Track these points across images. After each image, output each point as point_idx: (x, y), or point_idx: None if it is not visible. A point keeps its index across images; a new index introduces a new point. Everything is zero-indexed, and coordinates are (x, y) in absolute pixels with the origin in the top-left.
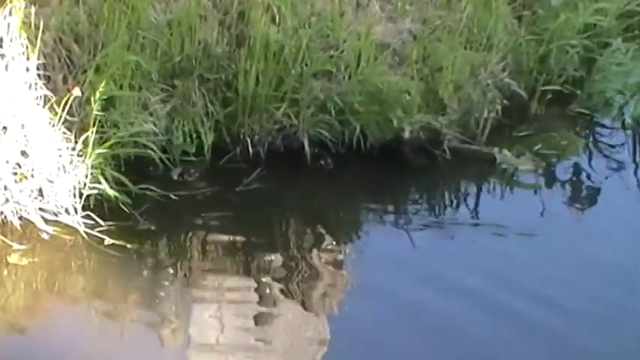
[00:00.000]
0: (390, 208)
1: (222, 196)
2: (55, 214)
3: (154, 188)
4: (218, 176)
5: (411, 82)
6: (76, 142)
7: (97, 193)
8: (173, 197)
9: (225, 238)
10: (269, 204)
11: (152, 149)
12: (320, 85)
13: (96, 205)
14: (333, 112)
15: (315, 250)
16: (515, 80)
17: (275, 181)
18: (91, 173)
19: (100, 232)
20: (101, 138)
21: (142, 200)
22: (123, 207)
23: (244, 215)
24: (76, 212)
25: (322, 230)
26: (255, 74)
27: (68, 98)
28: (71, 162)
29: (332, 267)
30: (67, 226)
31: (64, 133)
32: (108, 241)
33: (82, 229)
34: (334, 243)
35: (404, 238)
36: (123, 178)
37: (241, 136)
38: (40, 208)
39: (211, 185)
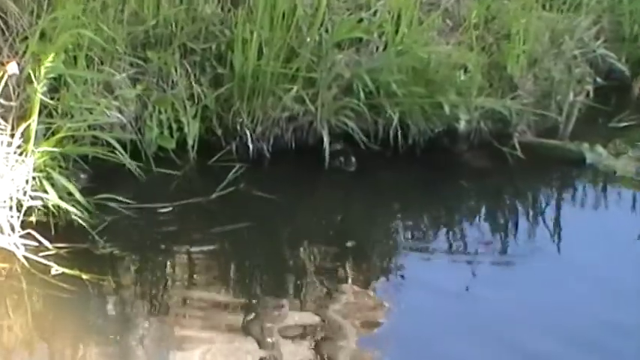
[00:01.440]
0: (439, 226)
1: (210, 209)
2: None
3: (119, 198)
4: (206, 181)
5: (469, 53)
6: (12, 136)
7: (42, 205)
8: (143, 210)
9: (212, 266)
10: (274, 219)
11: (116, 146)
12: (345, 59)
13: (40, 222)
14: (362, 95)
15: (333, 287)
16: (613, 51)
17: (282, 188)
18: (34, 178)
19: (45, 257)
20: (48, 130)
21: (102, 214)
22: (76, 224)
23: (240, 234)
24: (13, 230)
25: (344, 258)
26: (257, 44)
27: (1, 76)
28: (6, 163)
29: (356, 311)
30: (0, 248)
31: None
32: (55, 269)
33: (20, 252)
34: (360, 275)
35: (458, 269)
36: (72, 186)
37: (238, 128)
38: None
39: (196, 193)
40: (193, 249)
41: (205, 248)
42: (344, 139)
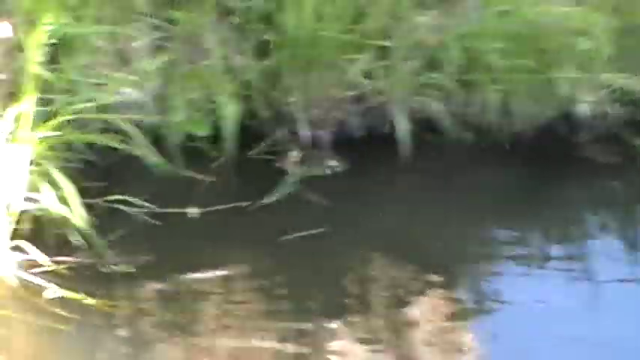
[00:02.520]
0: (552, 237)
1: (252, 215)
2: None
3: (134, 200)
4: (246, 179)
5: (594, 15)
6: (1, 119)
7: (38, 209)
8: (166, 217)
9: (254, 290)
10: (333, 229)
11: (132, 133)
12: (429, 22)
13: (35, 230)
14: (450, 69)
15: (415, 310)
16: None
17: (345, 190)
18: (29, 173)
19: (40, 275)
20: (45, 111)
21: (113, 221)
22: (81, 233)
23: (290, 250)
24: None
25: (428, 275)
26: (315, 2)
27: None
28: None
29: (443, 338)
30: None
31: None
32: (53, 291)
33: (10, 270)
34: (448, 299)
35: (576, 289)
36: (75, 185)
37: (288, 111)
38: None
39: (234, 195)
40: (230, 267)
41: (245, 267)
42: (426, 126)
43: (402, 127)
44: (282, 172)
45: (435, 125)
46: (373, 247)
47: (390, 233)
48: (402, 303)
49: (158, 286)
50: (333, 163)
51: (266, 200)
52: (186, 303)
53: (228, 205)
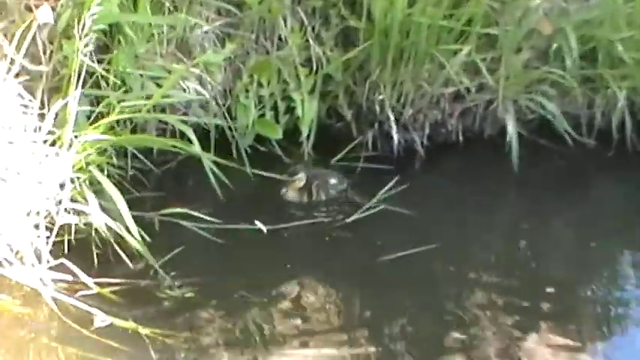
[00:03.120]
0: None
1: (333, 232)
2: None
3: (195, 213)
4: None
5: None
6: (41, 117)
7: (82, 223)
8: (231, 233)
9: (335, 316)
10: (430, 247)
11: (193, 136)
12: (543, 6)
13: (79, 247)
14: (569, 62)
15: (536, 342)
16: None
17: (444, 203)
18: (72, 181)
19: (84, 299)
20: (93, 110)
21: (168, 239)
22: (132, 251)
23: (382, 272)
24: (39, 260)
25: (549, 300)
26: None
27: (28, 27)
28: (32, 157)
29: None
30: (19, 287)
31: (20, 97)
32: (101, 320)
33: (48, 292)
34: (575, 326)
35: None
36: (117, 198)
37: (377, 109)
38: None
39: (312, 210)
40: (306, 292)
41: (326, 292)
42: (539, 128)
43: (512, 130)
44: (374, 182)
45: (549, 128)
46: (483, 266)
47: (498, 247)
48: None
49: (222, 313)
50: (339, 183)
51: (353, 217)
52: (256, 332)
53: (305, 222)
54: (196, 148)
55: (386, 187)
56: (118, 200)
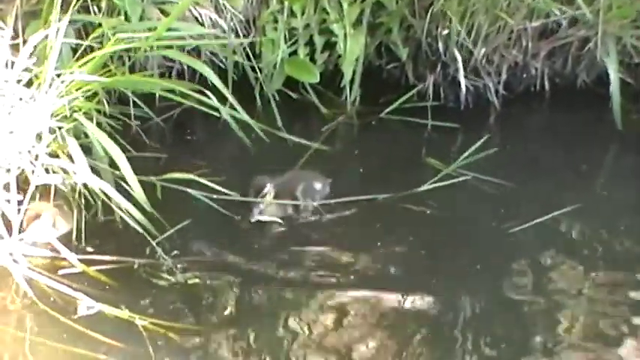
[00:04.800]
0: None
1: (387, 206)
2: None
3: (203, 180)
4: (378, 150)
5: None
6: (15, 50)
7: (67, 186)
8: (247, 207)
9: (387, 318)
10: (498, 224)
11: (210, 76)
12: None
13: (59, 214)
14: None
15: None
16: None
17: (529, 166)
18: (52, 131)
19: (67, 282)
20: (80, 44)
21: (171, 210)
22: (126, 223)
23: (450, 252)
24: (9, 232)
25: None
26: None
27: None
28: (2, 100)
29: None
30: None
31: None
32: (87, 306)
33: (20, 270)
34: None
35: None
36: (114, 152)
37: (441, 48)
38: None
39: (358, 176)
40: (339, 287)
41: (359, 287)
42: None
43: (614, 76)
44: (432, 144)
45: None
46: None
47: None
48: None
49: (231, 302)
50: (323, 188)
51: (417, 189)
52: (273, 329)
53: (348, 199)
54: (210, 92)
55: (466, 153)
56: (116, 155)
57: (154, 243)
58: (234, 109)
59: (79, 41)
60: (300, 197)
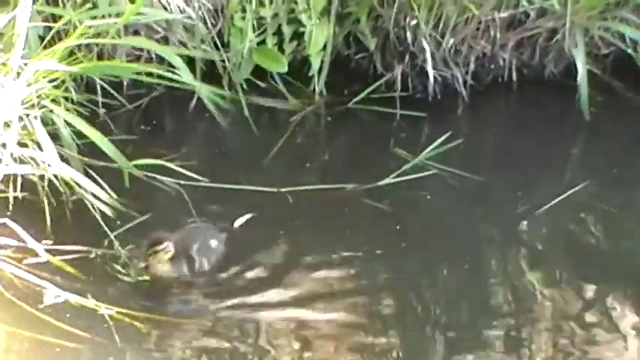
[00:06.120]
0: None
1: (355, 199)
2: None
3: (174, 167)
4: (345, 141)
5: None
6: None
7: (35, 175)
8: (218, 193)
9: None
10: (475, 221)
11: (177, 62)
12: None
13: (26, 205)
14: None
15: None
16: None
17: (497, 160)
18: (20, 118)
19: (33, 271)
20: (48, 32)
21: (143, 196)
22: (95, 211)
23: (415, 250)
24: None
25: None
26: None
27: None
28: None
29: None
30: None
31: None
32: (54, 295)
33: None
34: None
35: None
36: (100, 137)
37: (408, 38)
38: None
39: (326, 170)
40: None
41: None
42: (615, 66)
43: (582, 67)
44: (400, 135)
45: (628, 65)
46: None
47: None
48: None
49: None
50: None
51: (383, 182)
52: (233, 324)
53: (317, 186)
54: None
55: (433, 145)
56: (94, 136)
57: (112, 236)
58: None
59: (46, 24)
60: (196, 256)
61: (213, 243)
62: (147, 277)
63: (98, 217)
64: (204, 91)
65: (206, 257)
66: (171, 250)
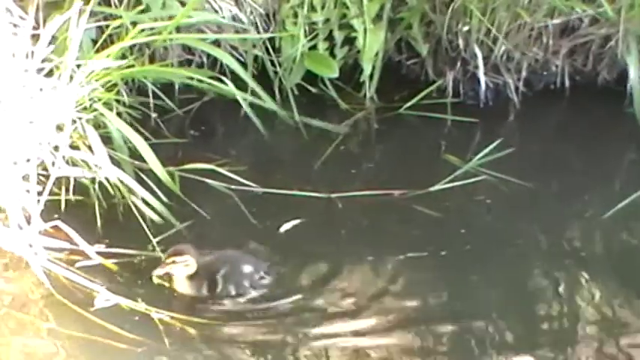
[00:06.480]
0: None
1: (405, 209)
2: None
3: (222, 171)
4: (396, 148)
5: None
6: (36, 40)
7: (87, 178)
8: (271, 199)
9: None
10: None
11: (230, 64)
12: None
13: (77, 207)
14: None
15: None
16: None
17: (548, 167)
18: (73, 121)
19: (84, 272)
20: (99, 31)
21: (193, 200)
22: (146, 217)
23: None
24: (29, 223)
25: None
26: None
27: None
28: (23, 89)
29: None
30: (2, 254)
31: (8, 12)
32: (105, 299)
33: (39, 261)
34: None
35: None
36: (143, 143)
37: (460, 44)
38: None
39: (378, 175)
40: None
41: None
42: None
43: (635, 75)
44: (450, 141)
45: None
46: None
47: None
48: None
49: (251, 302)
50: (255, 271)
51: (434, 188)
52: (285, 334)
53: (367, 192)
54: (230, 82)
55: (485, 151)
56: (138, 143)
57: (154, 241)
58: (258, 97)
59: (99, 23)
60: (220, 281)
61: (247, 269)
62: (165, 284)
63: (146, 220)
64: (246, 104)
65: (234, 283)
66: (190, 265)
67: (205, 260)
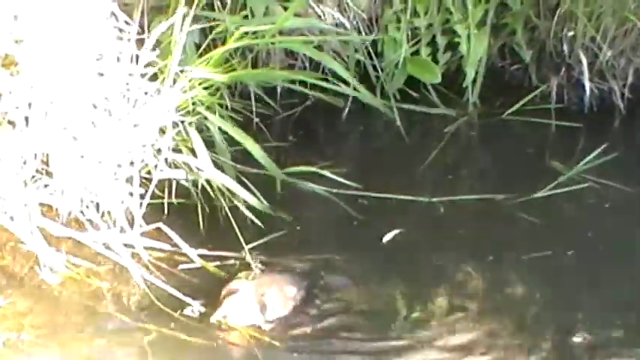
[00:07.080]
0: None
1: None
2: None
3: (326, 173)
4: (499, 154)
5: None
6: (140, 43)
7: (189, 181)
8: (376, 204)
9: None
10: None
11: (333, 66)
12: None
13: (180, 210)
14: None
15: None
16: None
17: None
18: (175, 125)
19: (185, 275)
20: (204, 37)
21: (295, 204)
22: (249, 221)
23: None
24: (131, 224)
25: None
26: None
27: None
28: (126, 93)
29: None
30: (105, 255)
31: (113, 17)
32: (196, 308)
33: (140, 272)
34: None
35: None
36: (252, 143)
37: (566, 50)
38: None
39: (482, 180)
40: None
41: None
42: None
43: None
44: (554, 147)
45: None
46: None
47: None
48: None
49: (363, 306)
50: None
51: (539, 194)
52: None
53: (472, 196)
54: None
55: (590, 157)
56: (253, 149)
57: (246, 248)
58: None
59: (203, 25)
60: (267, 303)
61: (290, 291)
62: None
63: (246, 224)
64: (359, 96)
65: (283, 304)
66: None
67: (251, 285)
